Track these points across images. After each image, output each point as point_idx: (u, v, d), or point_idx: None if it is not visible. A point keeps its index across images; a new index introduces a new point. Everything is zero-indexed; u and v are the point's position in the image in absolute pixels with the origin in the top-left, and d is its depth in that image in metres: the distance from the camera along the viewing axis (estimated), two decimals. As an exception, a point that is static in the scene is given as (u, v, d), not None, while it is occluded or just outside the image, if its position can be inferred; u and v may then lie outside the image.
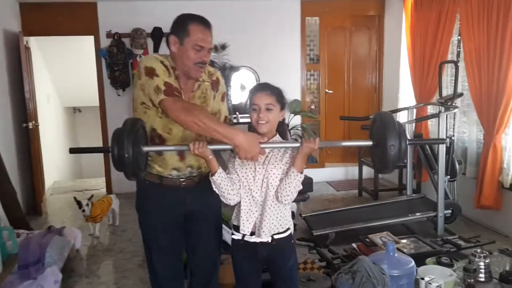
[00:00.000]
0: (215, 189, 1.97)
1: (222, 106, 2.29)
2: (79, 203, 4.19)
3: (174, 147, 2.08)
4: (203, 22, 2.06)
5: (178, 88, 2.03)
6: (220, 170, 1.94)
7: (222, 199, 2.00)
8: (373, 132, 2.01)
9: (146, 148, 1.95)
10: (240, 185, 1.99)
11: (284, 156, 2.00)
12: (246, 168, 2.00)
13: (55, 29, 5.60)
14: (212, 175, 1.94)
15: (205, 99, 2.18)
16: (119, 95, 5.71)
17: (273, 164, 1.98)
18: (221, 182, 1.95)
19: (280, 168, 1.98)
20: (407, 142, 1.87)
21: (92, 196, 4.41)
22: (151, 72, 1.99)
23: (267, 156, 1.99)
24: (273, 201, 1.99)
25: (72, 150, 1.97)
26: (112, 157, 1.82)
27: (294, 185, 1.94)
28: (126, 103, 5.69)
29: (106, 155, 5.77)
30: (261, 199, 1.99)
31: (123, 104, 5.71)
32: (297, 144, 1.93)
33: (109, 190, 5.86)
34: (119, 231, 4.58)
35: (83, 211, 4.17)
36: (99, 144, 5.91)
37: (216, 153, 2.00)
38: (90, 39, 5.68)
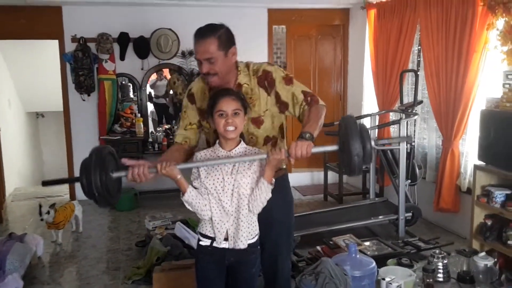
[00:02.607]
0: (188, 207, 1.97)
1: (292, 89, 2.17)
2: (39, 209, 4.10)
3: None
4: (196, 34, 2.09)
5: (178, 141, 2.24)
6: (190, 188, 1.93)
7: (198, 215, 2.00)
8: (339, 137, 2.01)
9: (115, 174, 1.93)
10: (209, 197, 1.97)
11: (252, 164, 1.98)
12: (214, 179, 1.96)
13: (18, 33, 5.45)
14: (183, 195, 1.93)
15: (251, 100, 2.13)
16: (84, 100, 5.61)
17: (241, 173, 1.96)
18: (192, 200, 1.94)
19: (249, 176, 1.96)
20: (372, 143, 1.86)
21: (54, 204, 4.28)
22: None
23: (234, 166, 1.96)
24: (247, 210, 1.97)
25: (45, 183, 2.03)
26: (82, 188, 1.85)
27: (265, 195, 1.94)
28: (91, 108, 5.61)
29: (70, 160, 5.67)
30: (233, 209, 1.97)
31: (88, 109, 5.62)
32: (264, 156, 1.90)
33: (72, 196, 5.73)
34: (83, 237, 4.49)
35: (41, 219, 4.09)
36: (63, 150, 5.82)
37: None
38: (54, 43, 5.58)
